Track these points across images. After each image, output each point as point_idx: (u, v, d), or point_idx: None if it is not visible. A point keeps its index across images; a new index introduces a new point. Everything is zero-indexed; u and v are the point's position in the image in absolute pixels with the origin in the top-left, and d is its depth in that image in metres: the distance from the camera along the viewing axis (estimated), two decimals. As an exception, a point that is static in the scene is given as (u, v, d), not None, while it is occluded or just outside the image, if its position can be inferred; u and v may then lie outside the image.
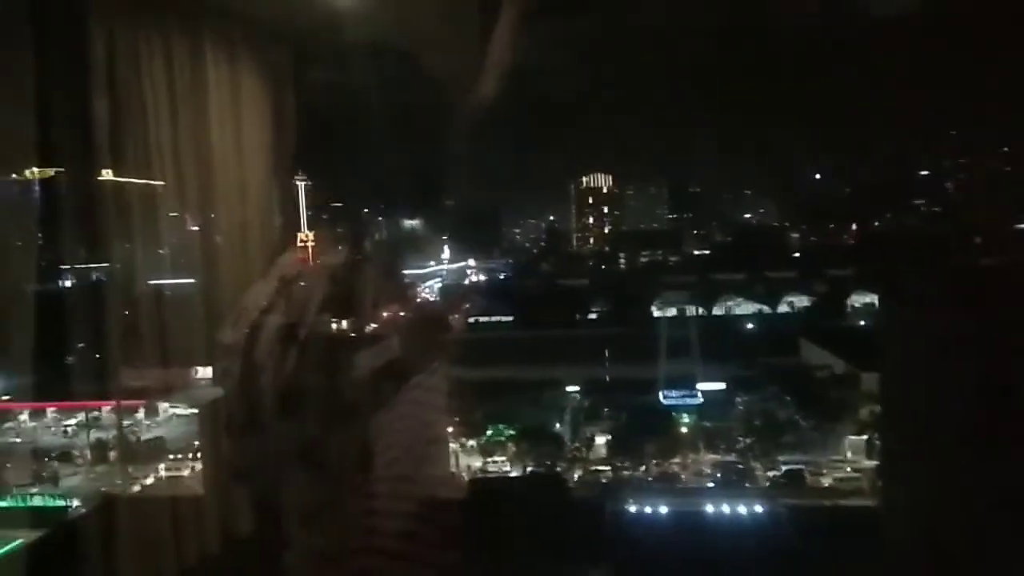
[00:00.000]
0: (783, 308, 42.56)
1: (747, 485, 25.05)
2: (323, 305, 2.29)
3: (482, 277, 49.47)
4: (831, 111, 51.41)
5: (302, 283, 2.37)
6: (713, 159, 57.50)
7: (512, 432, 28.05)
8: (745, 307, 42.25)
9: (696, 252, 56.26)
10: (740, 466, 26.09)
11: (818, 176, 55.06)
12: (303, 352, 2.21)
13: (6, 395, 21.47)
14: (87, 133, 3.83)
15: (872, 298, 38.99)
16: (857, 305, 40.89)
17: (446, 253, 48.53)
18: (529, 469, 26.39)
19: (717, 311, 42.78)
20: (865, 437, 25.65)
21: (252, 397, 2.09)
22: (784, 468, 25.66)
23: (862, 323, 38.14)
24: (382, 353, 2.62)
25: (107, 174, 4.14)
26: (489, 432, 27.91)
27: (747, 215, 60.37)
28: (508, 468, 26.63)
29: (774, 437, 26.82)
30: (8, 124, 3.21)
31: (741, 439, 27.31)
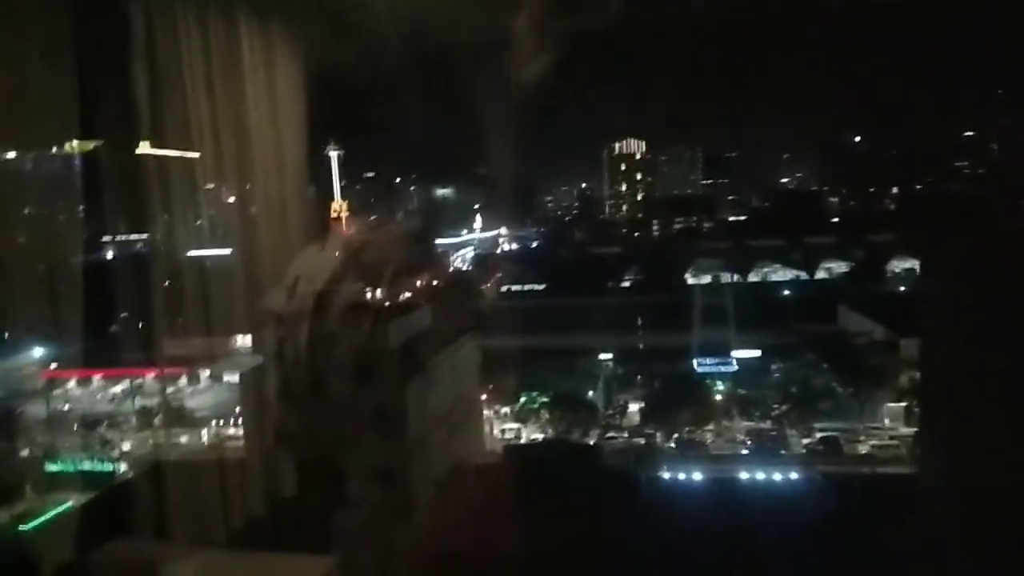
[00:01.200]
0: (821, 274, 41.99)
1: (782, 452, 24.97)
2: (394, 274, 2.34)
3: (514, 246, 49.47)
4: (872, 72, 49.93)
5: (369, 251, 2.40)
6: (750, 123, 56.32)
7: (545, 399, 28.24)
8: (782, 273, 41.76)
9: (732, 218, 55.49)
10: (775, 433, 25.98)
11: (858, 139, 53.70)
12: (377, 319, 2.27)
13: (54, 363, 22.14)
14: (127, 107, 3.90)
15: (913, 263, 38.24)
16: (897, 271, 40.14)
17: (478, 222, 48.51)
18: (562, 436, 26.60)
19: (753, 278, 42.36)
20: (904, 404, 25.39)
21: (319, 362, 2.15)
22: (820, 435, 25.51)
23: (902, 289, 37.46)
24: (413, 326, 2.68)
25: (146, 147, 4.20)
26: (522, 399, 28.14)
27: (784, 180, 59.20)
28: (541, 435, 26.88)
29: (810, 404, 26.64)
30: (50, 99, 3.27)
31: (776, 406, 27.18)
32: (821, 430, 25.63)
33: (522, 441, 25.66)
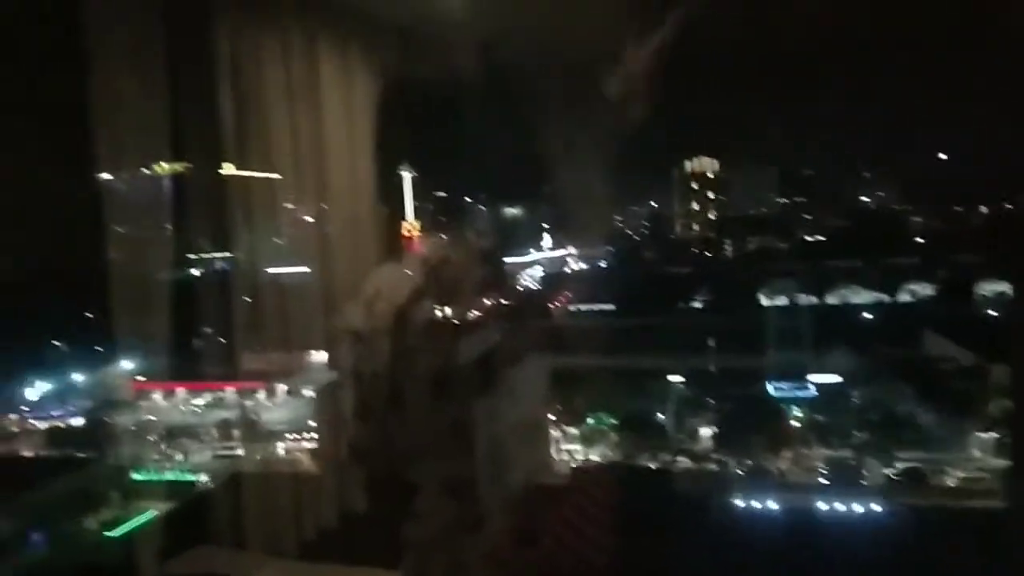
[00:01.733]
0: (904, 297, 40.22)
1: (862, 483, 23.97)
2: (467, 291, 2.36)
3: (582, 265, 49.27)
4: (957, 84, 47.97)
5: (447, 268, 2.43)
6: (829, 140, 54.75)
7: (613, 421, 27.91)
8: (862, 296, 40.17)
9: (808, 238, 53.83)
10: (855, 463, 24.98)
11: (943, 156, 51.52)
12: (456, 335, 2.30)
13: (141, 376, 23.19)
14: (213, 129, 4.07)
15: (1004, 286, 36.31)
16: (986, 294, 38.17)
17: (546, 240, 48.50)
18: (630, 458, 26.24)
19: (831, 300, 40.89)
20: (994, 434, 24.08)
21: (399, 378, 2.18)
22: (903, 466, 24.39)
23: (992, 312, 35.61)
24: (486, 342, 2.67)
25: (230, 168, 4.39)
26: (590, 420, 27.88)
27: (865, 198, 57.22)
28: (609, 456, 26.56)
29: (893, 433, 25.52)
30: (144, 122, 3.45)
31: (857, 434, 26.14)
32: (904, 460, 24.49)
33: (590, 462, 25.44)
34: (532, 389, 3.10)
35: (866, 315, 37.14)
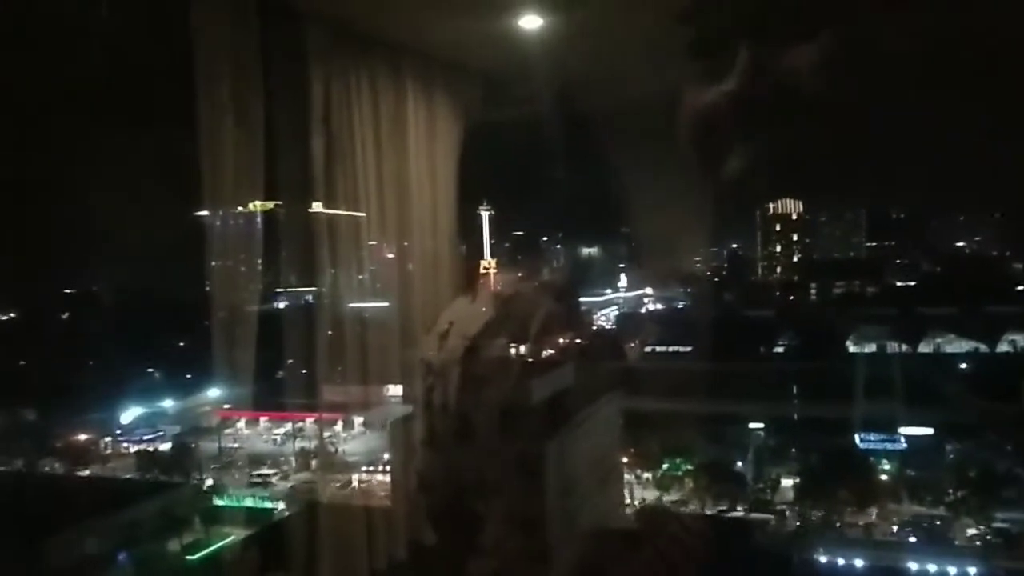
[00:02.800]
0: (1003, 347, 37.94)
1: (956, 543, 22.48)
2: (540, 328, 2.41)
3: (659, 306, 48.61)
4: (1064, 126, 45.62)
5: (520, 303, 2.49)
6: (922, 181, 52.69)
7: (690, 467, 27.18)
8: (958, 345, 38.03)
9: (899, 283, 51.59)
10: (948, 521, 23.49)
11: (1048, 199, 48.85)
12: (527, 372, 2.34)
13: (227, 404, 24.04)
14: (304, 169, 4.28)
15: (1117, 338, 33.81)
16: (1096, 346, 35.63)
17: (623, 281, 48.13)
18: (706, 506, 25.44)
19: (924, 348, 38.88)
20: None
21: (465, 410, 2.24)
22: (1001, 526, 22.76)
23: (1104, 366, 33.14)
24: (558, 380, 2.69)
25: (318, 207, 4.59)
26: (665, 466, 27.23)
27: (961, 243, 54.56)
28: (684, 503, 25.83)
29: (991, 491, 23.91)
30: (241, 162, 3.66)
31: (951, 492, 24.61)
32: (1003, 520, 22.86)
33: (666, 508, 24.78)
34: (606, 431, 3.09)
35: (962, 365, 35.13)
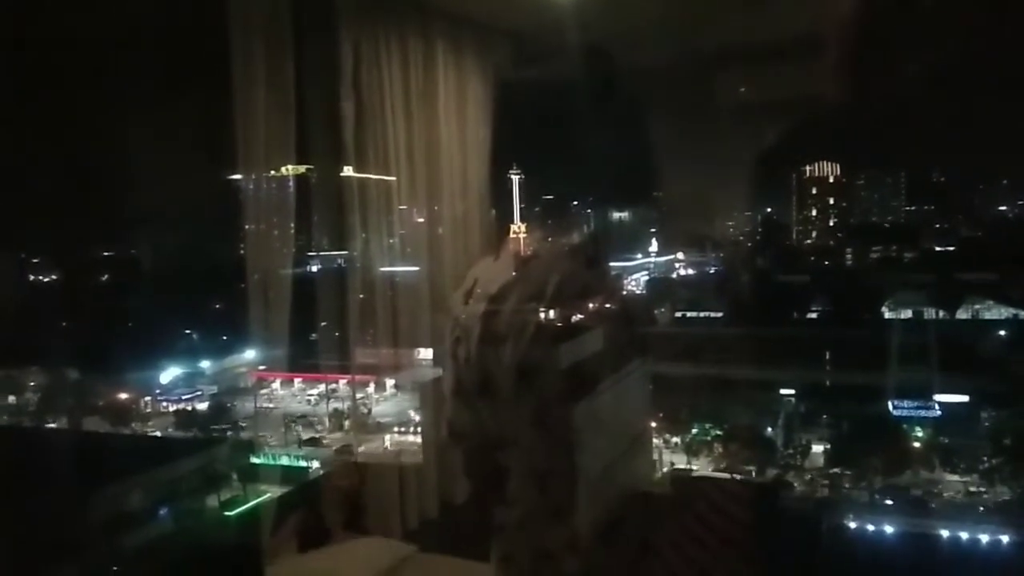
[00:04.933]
0: (1044, 314, 37.01)
1: (988, 510, 22.29)
2: (559, 288, 2.47)
3: (691, 271, 48.20)
4: (1118, 85, 43.79)
5: (538, 265, 2.55)
6: (964, 144, 51.17)
7: (719, 432, 27.17)
8: (996, 311, 37.13)
9: (938, 248, 50.39)
10: (982, 489, 23.26)
11: (1098, 162, 47.20)
12: (539, 331, 2.40)
13: (262, 365, 24.48)
14: (335, 133, 4.30)
15: None
16: None
17: (654, 245, 47.78)
18: (735, 472, 25.43)
19: (961, 315, 38.06)
20: None
21: (487, 366, 2.30)
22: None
23: None
24: (584, 343, 2.72)
25: (349, 171, 4.62)
26: (695, 431, 27.24)
27: (1002, 207, 53.08)
28: (714, 469, 25.87)
29: (1027, 459, 23.62)
30: (273, 127, 3.69)
31: (985, 459, 24.33)
32: (1037, 489, 22.60)
33: (695, 473, 24.87)
34: (634, 395, 3.11)
35: (1000, 332, 34.39)
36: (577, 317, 2.61)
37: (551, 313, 2.48)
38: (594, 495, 2.50)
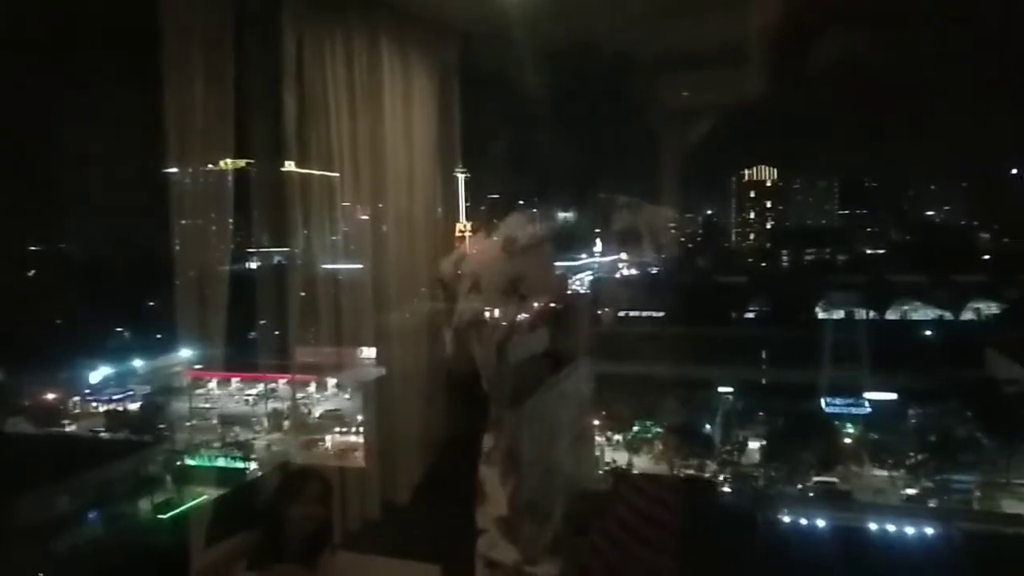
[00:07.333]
0: (968, 315, 38.73)
1: (914, 504, 23.26)
2: (489, 286, 2.58)
3: (634, 271, 48.71)
4: (1034, 98, 46.06)
5: (472, 265, 2.66)
6: (894, 151, 53.12)
7: (659, 429, 27.64)
8: (923, 312, 38.71)
9: (869, 251, 52.23)
10: (908, 483, 24.25)
11: (1015, 171, 49.50)
12: (502, 329, 2.55)
13: (198, 364, 23.77)
14: (276, 127, 4.19)
15: (1077, 308, 34.72)
16: (1057, 315, 36.56)
17: (598, 246, 48.08)
18: (675, 468, 25.92)
19: (891, 316, 39.55)
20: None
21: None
22: (959, 488, 23.56)
23: (1063, 335, 34.04)
24: (534, 342, 2.76)
25: (290, 166, 4.51)
26: (636, 428, 27.66)
27: (930, 212, 55.29)
28: (654, 465, 26.30)
29: (951, 455, 24.68)
30: (211, 119, 3.57)
31: (912, 455, 25.36)
32: (960, 483, 23.64)
33: (635, 471, 25.22)
34: (578, 394, 3.14)
35: (927, 332, 35.91)
36: (527, 318, 2.68)
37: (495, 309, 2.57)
38: (550, 491, 2.52)
